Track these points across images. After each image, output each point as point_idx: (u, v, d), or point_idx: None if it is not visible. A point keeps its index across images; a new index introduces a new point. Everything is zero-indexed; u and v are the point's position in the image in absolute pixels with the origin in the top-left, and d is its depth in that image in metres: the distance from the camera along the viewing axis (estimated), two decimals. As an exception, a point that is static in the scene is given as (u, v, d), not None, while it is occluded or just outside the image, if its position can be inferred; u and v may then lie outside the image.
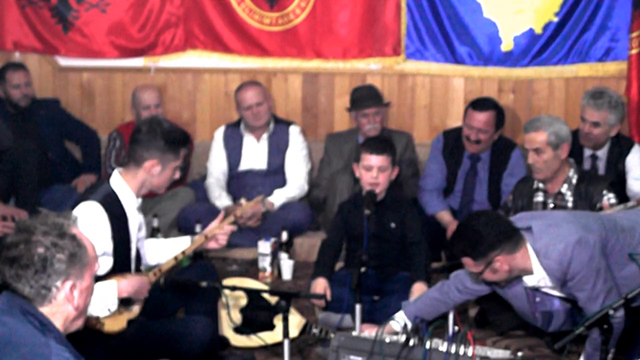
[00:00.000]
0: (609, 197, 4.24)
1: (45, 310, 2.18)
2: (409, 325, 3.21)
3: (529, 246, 3.55)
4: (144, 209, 3.83)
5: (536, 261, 3.55)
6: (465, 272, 3.78)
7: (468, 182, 5.25)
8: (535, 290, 3.71)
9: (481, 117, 5.09)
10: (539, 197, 4.39)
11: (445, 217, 5.11)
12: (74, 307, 2.21)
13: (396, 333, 3.42)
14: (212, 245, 3.91)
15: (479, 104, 5.16)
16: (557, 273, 3.53)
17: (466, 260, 3.56)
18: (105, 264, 3.48)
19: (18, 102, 5.72)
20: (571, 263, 3.47)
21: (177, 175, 3.69)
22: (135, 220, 3.65)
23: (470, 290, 3.84)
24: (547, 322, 3.79)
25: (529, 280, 3.64)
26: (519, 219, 3.68)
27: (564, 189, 4.32)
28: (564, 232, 3.52)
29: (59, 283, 2.17)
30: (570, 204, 4.29)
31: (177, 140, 3.61)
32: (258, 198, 3.96)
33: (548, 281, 3.60)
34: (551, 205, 4.35)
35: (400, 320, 3.84)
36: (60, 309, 2.20)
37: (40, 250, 2.15)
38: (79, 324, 2.28)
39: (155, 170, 3.57)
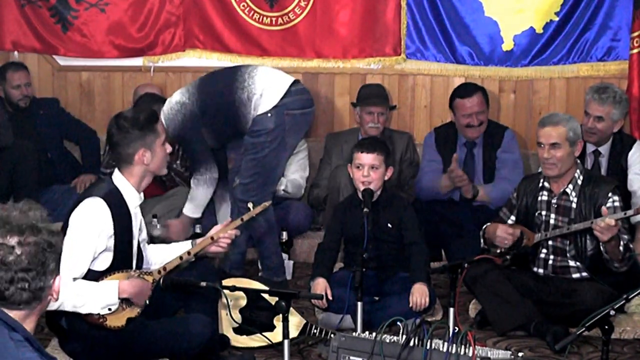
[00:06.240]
0: (614, 200, 4.20)
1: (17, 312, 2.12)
2: None
3: None
4: (143, 209, 3.82)
5: None
6: None
7: (467, 168, 5.27)
8: None
9: (474, 101, 5.23)
10: (544, 196, 4.36)
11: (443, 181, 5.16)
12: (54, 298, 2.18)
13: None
14: (213, 249, 3.90)
15: (465, 91, 5.30)
16: None
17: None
18: (107, 259, 3.49)
19: (18, 102, 5.71)
20: None
21: (169, 148, 3.71)
22: (137, 217, 3.66)
23: None
24: None
25: None
26: None
27: (569, 189, 4.28)
28: None
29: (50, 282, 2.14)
30: (574, 205, 4.25)
31: (146, 120, 3.62)
32: (265, 204, 3.96)
33: None
34: (555, 205, 4.32)
35: None
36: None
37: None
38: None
39: (147, 158, 3.59)
